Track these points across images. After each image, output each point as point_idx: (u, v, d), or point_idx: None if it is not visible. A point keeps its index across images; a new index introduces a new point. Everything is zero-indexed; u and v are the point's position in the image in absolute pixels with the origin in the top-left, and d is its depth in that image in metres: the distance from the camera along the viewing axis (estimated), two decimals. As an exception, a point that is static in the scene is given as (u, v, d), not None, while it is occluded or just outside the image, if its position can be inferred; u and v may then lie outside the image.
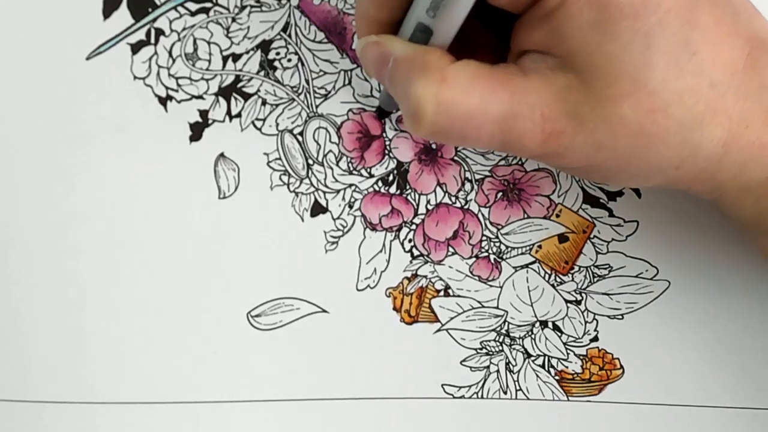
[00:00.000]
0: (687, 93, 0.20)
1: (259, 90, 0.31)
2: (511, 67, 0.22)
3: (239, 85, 0.31)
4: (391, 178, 0.31)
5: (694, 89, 0.20)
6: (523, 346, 0.31)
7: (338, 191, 0.31)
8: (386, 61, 0.23)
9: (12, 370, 0.31)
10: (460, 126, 0.22)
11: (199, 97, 0.31)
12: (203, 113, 0.31)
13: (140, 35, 0.31)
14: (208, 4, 0.31)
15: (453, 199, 0.31)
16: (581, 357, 0.31)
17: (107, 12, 0.31)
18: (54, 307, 0.31)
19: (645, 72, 0.20)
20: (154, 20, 0.31)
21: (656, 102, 0.20)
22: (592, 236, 0.31)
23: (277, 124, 0.31)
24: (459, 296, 0.31)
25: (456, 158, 0.31)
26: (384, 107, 0.30)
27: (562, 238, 0.31)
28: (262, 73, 0.31)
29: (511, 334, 0.31)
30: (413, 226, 0.31)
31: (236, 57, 0.31)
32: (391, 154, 0.31)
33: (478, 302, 0.31)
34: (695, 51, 0.20)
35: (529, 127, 0.21)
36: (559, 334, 0.31)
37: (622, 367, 0.31)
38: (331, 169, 0.31)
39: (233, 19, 0.31)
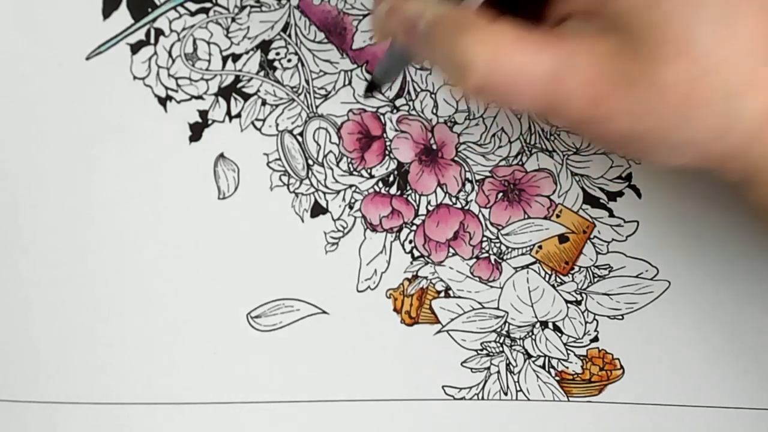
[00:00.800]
0: (731, 61, 0.20)
1: (258, 90, 0.31)
2: (553, 30, 0.22)
3: (239, 85, 0.31)
4: (391, 178, 0.31)
5: (737, 58, 0.20)
6: (523, 347, 0.31)
7: (338, 192, 0.31)
8: (416, 23, 0.23)
9: (13, 370, 0.31)
10: (508, 82, 0.21)
11: (199, 97, 0.31)
12: (203, 113, 0.31)
13: (140, 35, 0.31)
14: (208, 4, 0.31)
15: (453, 199, 0.31)
16: (581, 357, 0.31)
17: (107, 12, 0.31)
18: (54, 308, 0.31)
19: (691, 37, 0.20)
20: (154, 20, 0.31)
21: (700, 69, 0.20)
22: (592, 236, 0.31)
23: (277, 125, 0.31)
24: (459, 297, 0.31)
25: (456, 159, 0.31)
26: (378, 81, 0.29)
27: (562, 238, 0.31)
28: (262, 73, 0.31)
29: (512, 335, 0.31)
30: (414, 227, 0.31)
31: (236, 57, 0.31)
32: (391, 155, 0.31)
33: (479, 303, 0.31)
34: (740, 18, 0.20)
35: (574, 89, 0.21)
36: (560, 334, 0.31)
37: (622, 367, 0.31)
38: (332, 169, 0.31)
39: (233, 19, 0.31)
